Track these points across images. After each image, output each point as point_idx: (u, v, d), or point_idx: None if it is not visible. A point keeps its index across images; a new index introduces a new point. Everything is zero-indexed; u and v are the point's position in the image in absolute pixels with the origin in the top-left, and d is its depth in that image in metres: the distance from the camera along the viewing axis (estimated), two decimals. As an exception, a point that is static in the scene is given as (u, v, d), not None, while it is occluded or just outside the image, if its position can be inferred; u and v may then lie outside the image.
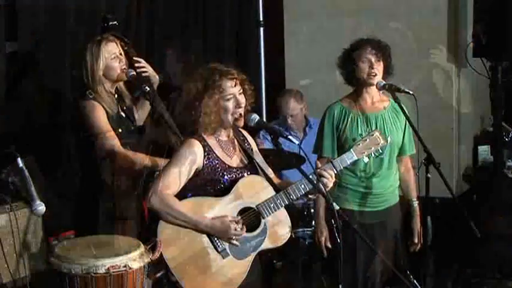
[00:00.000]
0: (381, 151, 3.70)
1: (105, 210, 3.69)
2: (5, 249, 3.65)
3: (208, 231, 3.12)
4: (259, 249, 3.23)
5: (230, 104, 3.14)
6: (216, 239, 3.14)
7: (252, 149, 3.37)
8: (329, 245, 3.84)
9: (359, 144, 3.37)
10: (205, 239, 3.13)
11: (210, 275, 3.13)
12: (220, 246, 3.14)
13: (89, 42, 3.76)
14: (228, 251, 3.15)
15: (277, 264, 4.58)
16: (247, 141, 3.38)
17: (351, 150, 3.36)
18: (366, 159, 3.42)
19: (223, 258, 3.15)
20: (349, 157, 3.35)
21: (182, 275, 3.08)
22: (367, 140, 3.38)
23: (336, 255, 3.75)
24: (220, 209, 3.15)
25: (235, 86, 3.16)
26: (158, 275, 3.14)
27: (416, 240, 3.96)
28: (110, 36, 3.77)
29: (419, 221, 3.97)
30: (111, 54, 3.71)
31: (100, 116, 3.62)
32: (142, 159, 3.62)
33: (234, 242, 3.15)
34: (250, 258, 3.22)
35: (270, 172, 3.39)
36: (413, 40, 5.95)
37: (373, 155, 3.43)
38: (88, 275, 2.95)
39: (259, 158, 3.38)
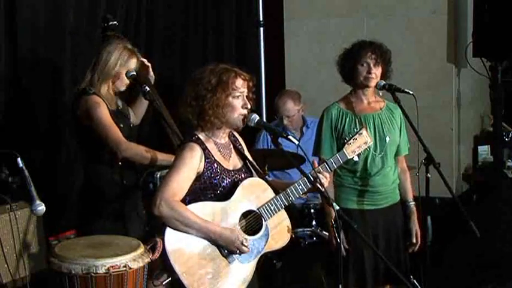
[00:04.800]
0: (375, 150, 3.78)
1: (109, 209, 3.69)
2: (5, 249, 3.65)
3: (216, 239, 3.08)
4: (263, 251, 3.22)
5: (238, 102, 3.13)
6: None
7: (243, 149, 3.37)
8: (346, 246, 3.84)
9: (350, 143, 3.39)
10: (211, 243, 3.09)
11: (219, 280, 3.09)
12: (226, 250, 3.12)
13: (110, 41, 3.78)
14: (233, 255, 3.13)
15: (277, 264, 4.58)
16: (239, 141, 3.38)
17: (343, 150, 3.38)
18: (356, 158, 3.44)
19: (230, 263, 3.13)
20: (342, 157, 3.37)
21: (191, 280, 3.03)
22: (357, 138, 3.41)
23: (346, 255, 3.81)
24: (224, 214, 3.12)
25: (245, 87, 3.17)
26: (165, 282, 3.11)
27: (414, 241, 3.98)
28: (135, 49, 3.79)
29: (417, 222, 3.98)
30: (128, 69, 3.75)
31: (103, 110, 3.62)
32: (145, 152, 3.63)
33: (237, 252, 3.11)
34: (255, 261, 3.20)
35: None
36: (413, 40, 5.97)
37: (361, 154, 3.45)
38: (88, 275, 2.95)
39: (249, 157, 3.38)
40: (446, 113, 5.93)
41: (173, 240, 3.03)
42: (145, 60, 3.92)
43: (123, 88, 3.79)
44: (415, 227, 3.98)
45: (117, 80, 3.73)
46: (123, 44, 3.77)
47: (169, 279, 3.06)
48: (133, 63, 3.76)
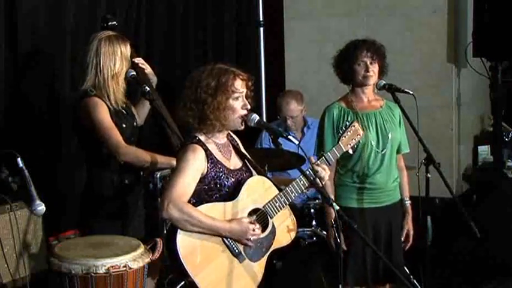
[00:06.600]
0: (378, 148, 3.81)
1: (109, 209, 3.69)
2: (5, 249, 3.65)
3: (228, 235, 3.08)
4: (271, 249, 3.23)
5: (238, 104, 3.12)
6: (231, 243, 3.11)
7: (240, 147, 3.37)
8: (345, 248, 3.85)
9: (345, 137, 3.41)
10: (221, 244, 3.09)
11: (232, 280, 3.10)
12: (236, 250, 3.11)
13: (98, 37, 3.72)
14: (243, 254, 3.13)
15: (277, 264, 4.58)
16: (235, 140, 3.37)
17: (339, 143, 3.40)
18: (350, 151, 3.46)
19: (241, 262, 3.13)
20: (338, 150, 3.39)
21: (206, 283, 3.03)
22: (351, 131, 3.42)
23: (347, 255, 3.81)
24: (232, 214, 3.11)
25: (244, 87, 3.16)
26: (179, 286, 3.10)
27: (407, 239, 4.00)
28: (125, 38, 3.76)
29: (410, 221, 4.00)
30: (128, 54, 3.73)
31: (103, 113, 3.60)
32: (144, 155, 3.62)
33: (250, 243, 3.12)
34: (264, 259, 3.21)
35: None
36: (413, 40, 5.97)
37: (355, 146, 3.48)
38: (88, 275, 2.95)
39: (247, 154, 3.38)
40: (446, 113, 5.93)
41: (185, 245, 3.01)
42: (142, 62, 3.91)
43: (124, 73, 3.71)
44: (408, 225, 3.99)
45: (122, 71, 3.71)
46: (102, 37, 3.70)
47: (183, 283, 3.04)
48: (118, 51, 3.68)
